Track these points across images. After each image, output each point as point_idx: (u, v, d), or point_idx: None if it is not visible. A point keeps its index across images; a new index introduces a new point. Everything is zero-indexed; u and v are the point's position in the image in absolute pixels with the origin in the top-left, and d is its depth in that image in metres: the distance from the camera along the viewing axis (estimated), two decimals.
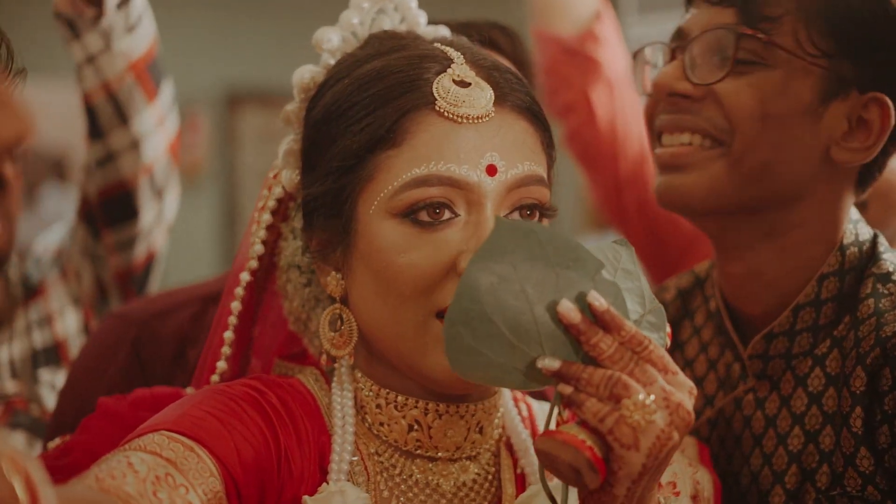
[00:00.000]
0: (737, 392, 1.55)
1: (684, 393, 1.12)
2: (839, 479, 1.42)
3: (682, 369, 1.60)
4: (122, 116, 2.12)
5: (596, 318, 1.11)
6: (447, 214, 1.21)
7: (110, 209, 2.16)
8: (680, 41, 1.51)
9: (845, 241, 1.50)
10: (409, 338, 1.22)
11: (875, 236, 1.53)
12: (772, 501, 1.49)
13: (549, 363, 1.11)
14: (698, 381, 1.61)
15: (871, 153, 1.48)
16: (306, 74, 1.33)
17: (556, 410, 1.16)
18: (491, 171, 1.21)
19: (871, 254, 1.50)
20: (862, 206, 1.63)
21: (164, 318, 1.71)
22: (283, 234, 1.38)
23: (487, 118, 1.23)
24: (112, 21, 2.03)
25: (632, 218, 2.29)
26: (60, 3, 2.04)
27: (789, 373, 1.51)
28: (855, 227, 1.52)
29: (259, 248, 1.36)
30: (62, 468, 1.30)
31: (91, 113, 2.12)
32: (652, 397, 1.09)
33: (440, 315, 1.20)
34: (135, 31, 2.08)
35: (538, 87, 1.82)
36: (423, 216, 1.21)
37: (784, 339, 1.50)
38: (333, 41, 1.34)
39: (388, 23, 1.37)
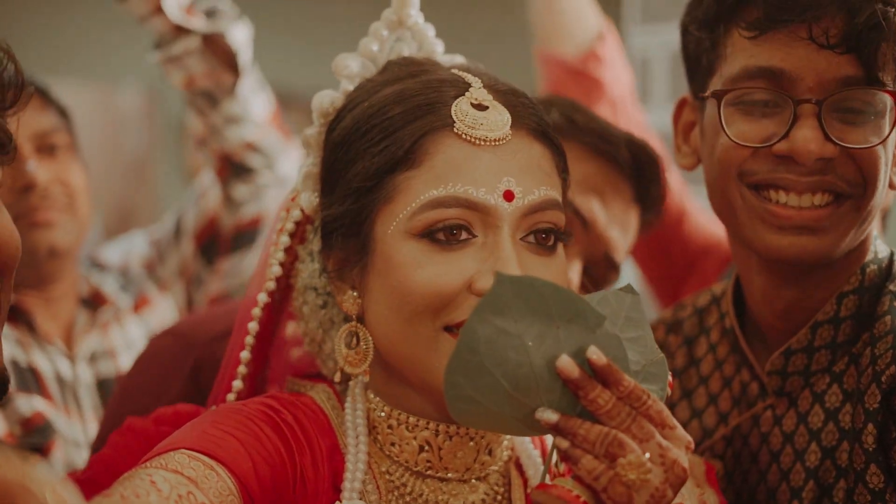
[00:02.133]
0: (755, 409, 1.56)
1: (681, 448, 1.13)
2: (851, 494, 1.43)
3: (697, 386, 1.63)
4: (269, 161, 2.28)
5: (595, 373, 1.12)
6: (464, 235, 1.23)
7: (240, 241, 2.31)
8: (781, 84, 1.42)
9: (866, 259, 1.51)
10: (420, 353, 1.24)
11: (892, 254, 1.54)
12: None
13: (548, 416, 1.12)
14: (713, 398, 1.62)
15: None
16: (325, 100, 1.35)
17: (553, 460, 1.18)
18: (508, 196, 1.23)
19: (889, 271, 1.51)
20: None
21: (226, 340, 1.64)
22: (301, 257, 1.39)
23: (504, 141, 1.25)
24: (248, 83, 2.17)
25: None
26: (200, 78, 2.15)
27: (807, 389, 1.51)
28: (874, 244, 1.53)
29: (277, 270, 1.38)
30: (83, 483, 1.33)
31: (236, 165, 2.24)
32: (647, 455, 1.10)
33: (448, 329, 1.22)
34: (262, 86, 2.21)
35: None
36: (441, 236, 1.23)
37: (802, 355, 1.51)
38: (352, 68, 1.36)
39: (406, 50, 1.40)
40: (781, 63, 1.41)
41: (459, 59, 1.40)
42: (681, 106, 1.61)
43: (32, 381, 2.09)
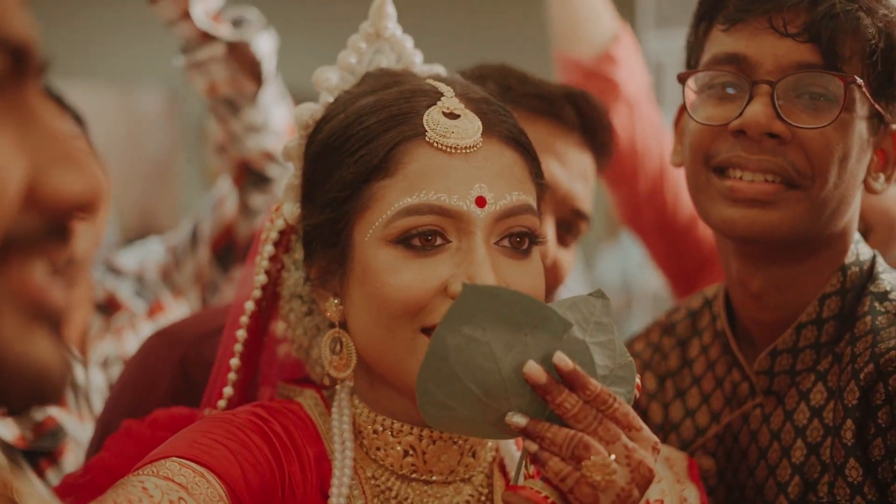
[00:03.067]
0: (745, 407, 1.60)
1: (647, 450, 1.16)
2: (832, 488, 1.47)
3: (690, 386, 1.67)
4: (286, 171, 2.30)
5: (562, 378, 1.15)
6: (439, 241, 1.26)
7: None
8: (743, 68, 1.50)
9: (847, 262, 1.55)
10: (399, 355, 1.26)
11: (874, 256, 1.58)
12: None
13: (517, 420, 1.16)
14: (706, 398, 1.66)
15: (891, 182, 1.55)
16: (305, 113, 1.38)
17: (523, 464, 1.21)
18: (480, 202, 1.25)
19: (870, 273, 1.55)
20: (864, 234, 1.68)
21: (212, 339, 1.67)
22: (286, 266, 1.42)
23: (476, 148, 1.27)
24: (269, 92, 2.19)
25: (652, 232, 2.33)
26: (223, 85, 2.17)
27: (793, 388, 1.55)
28: (856, 247, 1.57)
29: (262, 279, 1.41)
30: (82, 487, 1.35)
31: (254, 174, 2.26)
32: (613, 456, 1.13)
33: (425, 331, 1.25)
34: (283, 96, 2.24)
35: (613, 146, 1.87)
36: (416, 242, 1.25)
37: (788, 355, 1.55)
38: (332, 80, 1.39)
39: (385, 62, 1.42)
40: (745, 49, 1.49)
41: (438, 69, 1.43)
42: (681, 112, 1.66)
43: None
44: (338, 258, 1.30)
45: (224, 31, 2.16)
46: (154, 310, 2.36)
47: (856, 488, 1.44)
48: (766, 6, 1.47)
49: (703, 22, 1.55)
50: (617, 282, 6.30)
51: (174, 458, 1.20)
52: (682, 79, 1.57)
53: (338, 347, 1.33)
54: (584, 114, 1.78)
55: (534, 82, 1.78)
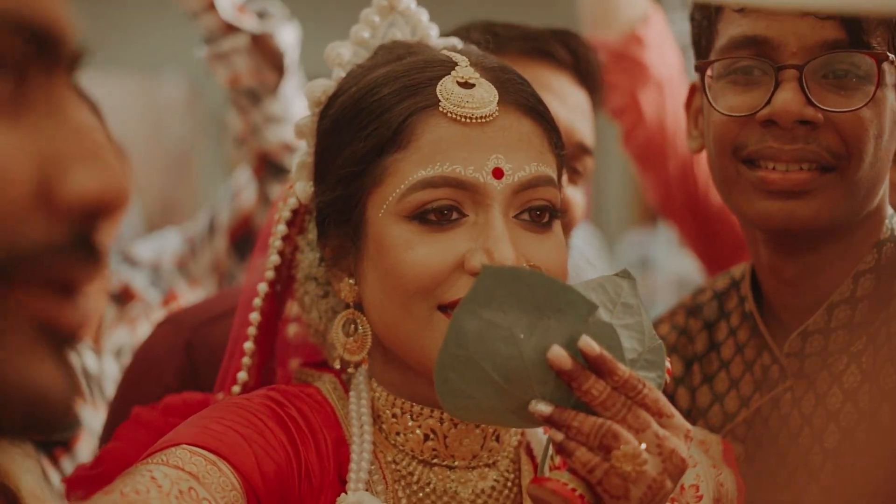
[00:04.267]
0: (775, 391, 1.55)
1: (679, 437, 1.11)
2: (869, 476, 1.39)
3: (718, 370, 1.62)
4: None
5: (588, 363, 1.10)
6: (455, 215, 1.22)
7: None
8: (764, 51, 1.44)
9: (882, 237, 1.50)
10: (416, 334, 1.22)
11: None
12: (807, 500, 1.49)
13: (541, 408, 1.10)
14: (734, 383, 1.62)
15: None
16: (318, 89, 1.34)
17: (549, 454, 1.17)
18: (497, 173, 1.21)
19: None
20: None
21: (216, 322, 1.69)
22: (300, 248, 1.39)
23: (492, 117, 1.23)
24: (291, 84, 2.19)
25: (684, 215, 2.30)
26: (246, 76, 2.18)
27: (825, 371, 1.50)
28: (891, 222, 1.52)
29: (275, 259, 1.37)
30: (94, 478, 1.32)
31: (274, 165, 2.26)
32: (643, 445, 1.08)
33: (442, 308, 1.21)
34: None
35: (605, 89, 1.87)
36: (432, 216, 1.21)
37: (820, 336, 1.50)
38: (344, 55, 1.35)
39: (400, 36, 1.38)
40: (765, 31, 1.43)
41: (455, 42, 1.39)
42: (692, 91, 1.61)
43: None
44: (351, 236, 1.27)
45: (248, 22, 2.17)
46: (168, 299, 2.36)
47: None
48: None
49: (713, 3, 1.49)
50: (640, 267, 6.28)
51: (184, 446, 1.17)
52: (700, 68, 1.51)
53: (352, 329, 1.30)
54: (574, 51, 1.77)
55: (519, 26, 1.78)
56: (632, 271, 1.19)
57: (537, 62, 1.74)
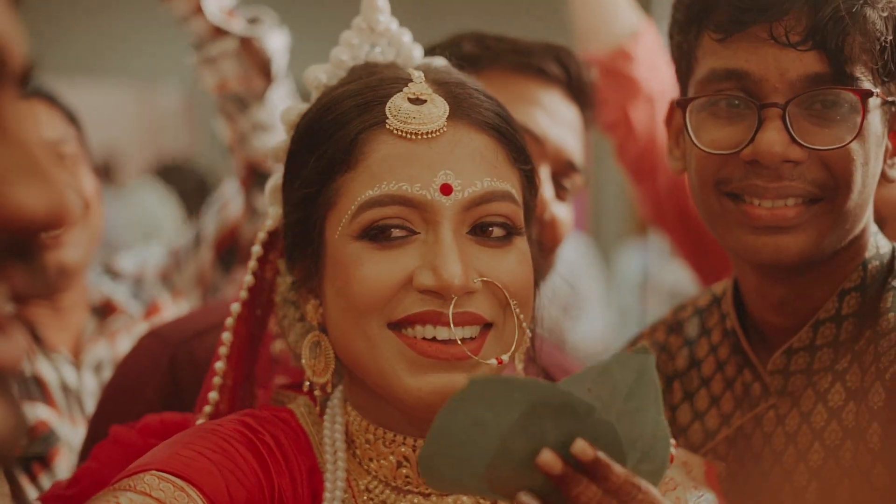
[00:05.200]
0: (758, 409, 1.54)
1: None
2: (856, 493, 1.41)
3: (699, 388, 1.62)
4: None
5: (582, 466, 1.06)
6: (403, 233, 1.20)
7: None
8: (745, 85, 1.42)
9: (867, 255, 1.49)
10: (368, 353, 1.21)
11: (894, 249, 1.52)
12: None
13: (530, 502, 1.07)
14: (715, 400, 1.61)
15: None
16: (293, 113, 1.33)
17: None
18: (445, 189, 1.20)
19: (891, 266, 1.49)
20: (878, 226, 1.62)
21: (201, 338, 1.68)
22: (281, 271, 1.38)
23: (439, 133, 1.22)
24: (279, 91, 2.18)
25: (675, 227, 2.30)
26: (233, 82, 2.17)
27: (810, 389, 1.50)
28: (875, 239, 1.51)
29: (249, 279, 1.36)
30: (70, 498, 1.31)
31: (261, 175, 2.24)
32: None
33: (391, 326, 1.20)
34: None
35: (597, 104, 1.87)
36: (379, 235, 1.20)
37: (804, 354, 1.49)
38: (321, 78, 1.34)
39: (382, 58, 1.36)
40: (746, 64, 1.40)
41: (439, 62, 1.37)
42: (671, 110, 1.60)
43: (37, 390, 2.08)
44: (314, 258, 1.26)
45: (236, 26, 2.16)
46: (151, 311, 2.35)
47: (883, 493, 1.39)
48: (765, 14, 1.38)
49: (694, 28, 1.47)
50: (637, 279, 6.28)
51: (153, 472, 1.16)
52: (681, 104, 1.48)
53: (317, 350, 1.29)
54: (566, 67, 1.77)
55: (512, 40, 1.77)
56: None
57: (528, 77, 1.74)
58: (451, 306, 1.18)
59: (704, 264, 2.29)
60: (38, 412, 2.03)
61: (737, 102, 1.43)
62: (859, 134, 1.39)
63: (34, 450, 1.95)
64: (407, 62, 1.36)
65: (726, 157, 1.43)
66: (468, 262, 1.20)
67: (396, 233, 1.20)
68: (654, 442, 1.10)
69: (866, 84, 1.40)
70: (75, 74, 6.83)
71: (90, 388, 2.15)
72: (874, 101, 1.41)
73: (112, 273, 2.41)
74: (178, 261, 2.44)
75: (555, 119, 1.74)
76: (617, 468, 1.06)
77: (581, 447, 1.05)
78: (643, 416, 1.10)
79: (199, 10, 2.13)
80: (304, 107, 1.34)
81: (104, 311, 2.28)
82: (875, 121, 1.42)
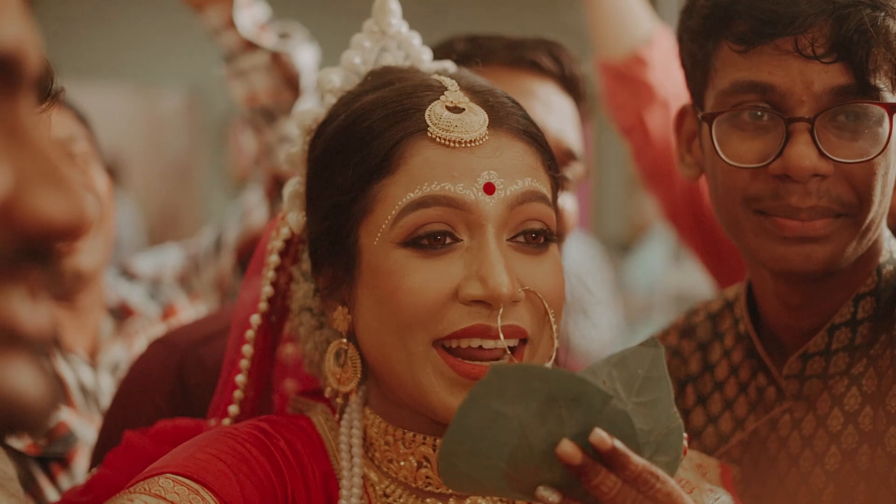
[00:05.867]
0: (773, 413, 1.54)
1: None
2: (874, 497, 1.41)
3: (712, 392, 1.62)
4: None
5: (600, 456, 1.07)
6: (448, 240, 1.19)
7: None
8: (770, 98, 1.41)
9: (881, 261, 1.49)
10: (409, 368, 1.20)
11: None
12: None
13: (549, 496, 1.08)
14: (728, 404, 1.61)
15: None
16: (308, 117, 1.33)
17: None
18: (489, 189, 1.20)
19: None
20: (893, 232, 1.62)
21: (210, 343, 1.67)
22: (295, 278, 1.37)
23: (481, 142, 1.21)
24: (307, 105, 2.18)
25: (691, 231, 2.29)
26: (263, 95, 2.18)
27: (826, 393, 1.50)
28: (889, 244, 1.51)
29: (269, 290, 1.36)
30: None
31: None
32: None
33: (437, 343, 1.19)
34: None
35: (598, 104, 1.88)
36: (425, 242, 1.19)
37: (820, 359, 1.50)
38: (334, 81, 1.34)
39: (392, 61, 1.36)
40: (770, 77, 1.40)
41: (447, 66, 1.37)
42: (681, 115, 1.59)
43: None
44: (345, 265, 1.25)
45: (268, 40, 2.18)
46: (168, 313, 2.35)
47: None
48: (790, 27, 1.37)
49: (712, 37, 1.45)
50: (643, 283, 6.28)
51: (168, 475, 1.16)
52: (707, 118, 1.47)
53: (343, 359, 1.28)
54: (559, 60, 1.77)
55: (502, 37, 1.78)
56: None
57: (523, 72, 1.74)
58: (500, 317, 1.18)
59: (720, 268, 2.30)
60: (59, 413, 2.04)
61: (761, 115, 1.42)
62: (886, 148, 1.39)
63: (54, 450, 1.95)
64: (417, 66, 1.36)
65: (754, 171, 1.43)
66: (512, 271, 1.19)
67: (444, 240, 1.19)
68: (667, 434, 1.11)
69: (889, 96, 1.40)
70: (78, 77, 6.84)
71: (107, 389, 2.15)
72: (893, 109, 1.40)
73: (129, 274, 2.40)
74: (196, 264, 2.44)
75: (552, 110, 1.75)
76: (635, 457, 1.07)
77: (599, 436, 1.06)
78: (656, 408, 1.10)
79: (231, 23, 2.15)
80: (319, 111, 1.33)
81: (120, 312, 2.28)
82: (890, 129, 1.41)
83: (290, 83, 2.20)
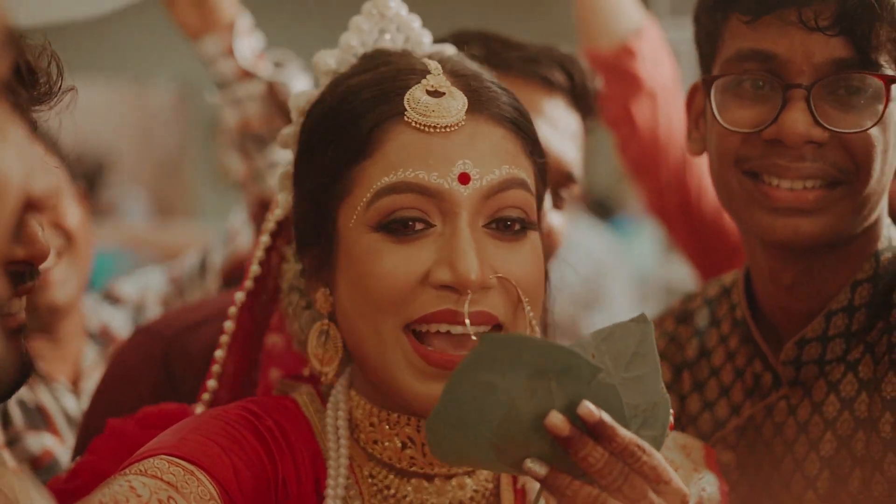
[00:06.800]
0: (769, 399, 1.55)
1: None
2: (867, 483, 1.42)
3: (709, 378, 1.62)
4: None
5: (588, 428, 1.07)
6: (421, 226, 1.19)
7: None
8: (772, 67, 1.43)
9: (880, 248, 1.50)
10: (380, 353, 1.20)
11: None
12: None
13: (536, 468, 1.09)
14: (725, 390, 1.61)
15: None
16: (302, 98, 1.33)
17: (540, 498, 1.16)
18: (463, 178, 1.19)
19: None
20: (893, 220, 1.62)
21: (194, 331, 1.66)
22: (286, 257, 1.37)
23: (457, 127, 1.21)
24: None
25: (676, 222, 2.30)
26: (256, 123, 2.18)
27: (822, 379, 1.50)
28: (888, 232, 1.52)
29: (256, 269, 1.36)
30: (71, 492, 1.30)
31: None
32: None
33: (407, 329, 1.20)
34: None
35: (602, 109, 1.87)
36: (397, 227, 1.19)
37: (817, 344, 1.50)
38: (330, 63, 1.33)
39: (391, 44, 1.36)
40: (772, 46, 1.42)
41: (448, 49, 1.36)
42: (693, 92, 1.61)
43: (40, 419, 2.06)
44: (326, 247, 1.26)
45: (264, 70, 2.18)
46: None
47: (895, 483, 1.40)
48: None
49: (721, 10, 1.48)
50: (633, 275, 6.27)
51: (162, 456, 1.16)
52: (707, 82, 1.50)
53: (325, 340, 1.28)
54: (571, 75, 1.76)
55: (518, 45, 1.76)
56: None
57: (533, 85, 1.73)
58: (467, 302, 1.18)
59: (705, 260, 2.30)
60: (44, 441, 2.01)
61: (761, 83, 1.44)
62: (881, 120, 1.41)
63: (39, 478, 1.94)
64: (416, 48, 1.35)
65: (747, 135, 1.45)
66: (484, 257, 1.19)
67: (415, 226, 1.20)
68: (654, 408, 1.12)
69: (890, 71, 1.41)
70: (67, 72, 6.79)
71: None
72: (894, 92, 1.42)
73: (112, 298, 2.37)
74: (179, 287, 2.41)
75: (557, 130, 1.74)
76: (622, 430, 1.07)
77: (587, 408, 1.06)
78: (644, 383, 1.11)
79: (229, 52, 2.15)
80: (314, 92, 1.33)
81: (103, 338, 2.25)
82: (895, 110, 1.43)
83: (284, 112, 2.20)
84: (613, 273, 5.22)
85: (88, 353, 2.22)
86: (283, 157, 2.21)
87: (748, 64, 1.45)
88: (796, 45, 1.41)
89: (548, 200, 1.71)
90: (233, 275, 2.34)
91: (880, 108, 1.41)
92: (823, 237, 1.44)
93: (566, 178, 1.76)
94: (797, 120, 1.41)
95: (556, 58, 1.77)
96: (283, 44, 2.33)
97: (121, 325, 2.29)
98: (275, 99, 2.18)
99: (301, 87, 2.21)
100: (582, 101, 1.79)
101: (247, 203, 2.33)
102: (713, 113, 1.48)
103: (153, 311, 2.34)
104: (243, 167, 2.27)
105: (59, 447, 2.01)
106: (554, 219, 1.76)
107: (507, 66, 1.69)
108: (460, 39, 1.69)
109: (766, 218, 1.45)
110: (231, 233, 2.42)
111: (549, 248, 1.71)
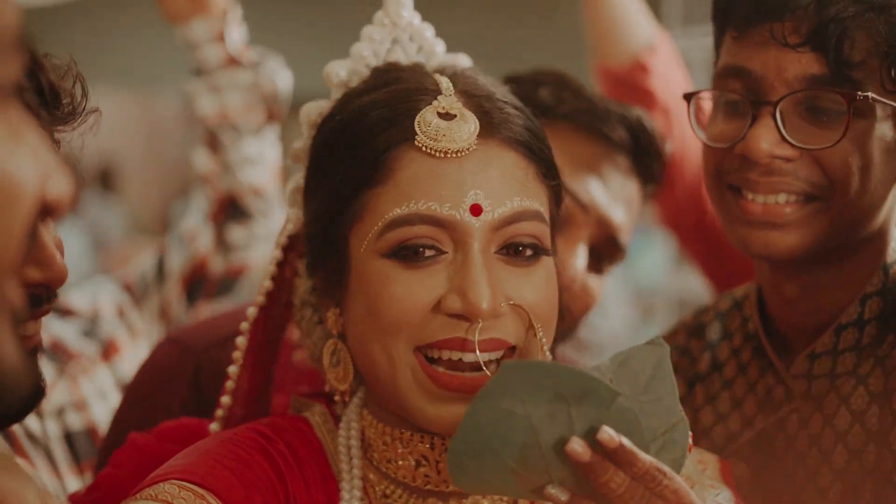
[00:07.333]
0: (781, 412, 1.55)
1: None
2: (878, 497, 1.42)
3: (721, 391, 1.62)
4: (267, 210, 2.28)
5: (608, 454, 1.07)
6: (432, 252, 1.19)
7: (225, 287, 2.30)
8: (747, 83, 1.45)
9: (888, 261, 1.50)
10: (391, 373, 1.20)
11: None
12: None
13: (559, 495, 1.09)
14: (737, 403, 1.62)
15: None
16: (313, 111, 1.31)
17: None
18: (475, 210, 1.18)
19: None
20: None
21: (226, 345, 1.62)
22: (300, 272, 1.36)
23: (468, 151, 1.20)
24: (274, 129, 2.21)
25: (692, 236, 2.30)
26: (234, 113, 2.18)
27: (833, 392, 1.51)
28: None
29: (268, 284, 1.36)
30: None
31: (237, 208, 2.23)
32: None
33: (419, 349, 1.19)
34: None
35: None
36: (408, 254, 1.18)
37: (827, 358, 1.50)
38: (341, 75, 1.32)
39: (403, 53, 1.34)
40: (749, 62, 1.44)
41: (463, 60, 1.35)
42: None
43: (6, 442, 2.05)
44: (337, 268, 1.25)
45: (251, 57, 2.16)
46: (109, 351, 2.22)
47: None
48: (770, 15, 1.41)
49: (719, 24, 1.51)
50: (644, 287, 6.25)
51: (173, 481, 1.16)
52: (686, 98, 1.54)
53: (336, 359, 1.28)
54: (636, 137, 1.73)
55: (588, 97, 1.73)
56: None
57: (594, 141, 1.69)
58: (478, 331, 1.18)
59: (720, 274, 2.29)
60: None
61: (740, 100, 1.46)
62: (845, 136, 1.40)
63: None
64: (429, 58, 1.34)
65: (725, 150, 1.47)
66: (496, 285, 1.18)
67: (425, 252, 1.19)
68: (673, 431, 1.12)
69: (865, 88, 1.41)
70: None
71: (55, 434, 2.06)
72: (880, 107, 1.42)
73: (60, 311, 2.24)
74: (135, 295, 2.34)
75: (610, 191, 1.69)
76: (642, 455, 1.08)
77: (607, 434, 1.06)
78: (662, 406, 1.12)
79: (219, 37, 2.13)
80: (324, 105, 1.32)
81: (56, 354, 2.15)
82: (883, 129, 1.43)
83: (265, 104, 2.20)
84: (610, 277, 5.21)
85: (46, 371, 2.16)
86: (255, 150, 2.19)
87: (729, 80, 1.47)
88: (769, 62, 1.43)
89: (583, 262, 1.66)
90: (193, 280, 2.30)
91: (845, 122, 1.41)
92: (797, 251, 1.45)
93: (610, 243, 1.71)
94: (761, 136, 1.42)
95: (624, 117, 1.73)
96: (263, 41, 2.33)
97: (73, 338, 2.20)
98: (258, 90, 2.16)
99: (283, 82, 2.21)
100: (643, 165, 1.75)
101: (209, 201, 2.29)
102: (692, 126, 1.53)
103: (109, 323, 2.26)
104: (209, 162, 2.24)
105: (29, 469, 1.98)
106: (591, 281, 1.71)
107: (572, 115, 1.67)
108: (536, 79, 1.66)
109: (741, 230, 1.47)
110: (188, 235, 2.35)
111: (581, 308, 1.69)
